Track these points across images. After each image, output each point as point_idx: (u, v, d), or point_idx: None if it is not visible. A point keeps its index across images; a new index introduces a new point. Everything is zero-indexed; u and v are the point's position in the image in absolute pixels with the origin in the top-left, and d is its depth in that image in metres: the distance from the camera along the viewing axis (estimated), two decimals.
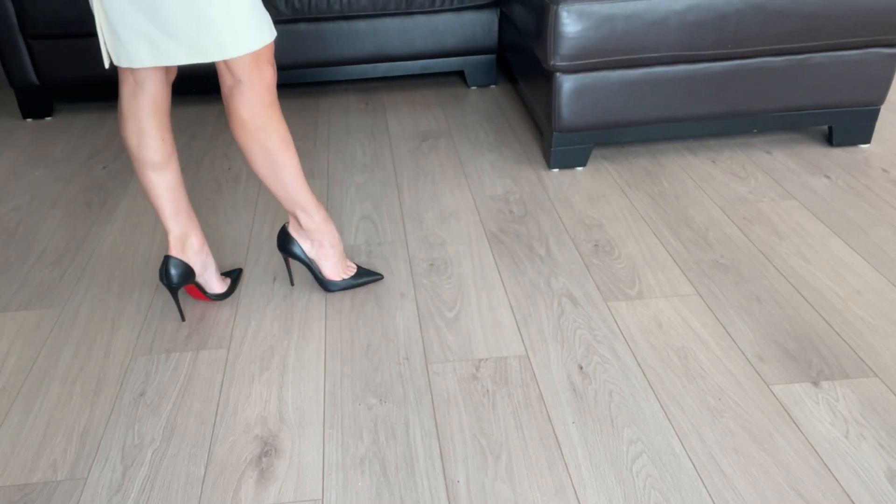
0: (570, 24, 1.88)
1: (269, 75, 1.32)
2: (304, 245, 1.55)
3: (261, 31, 1.28)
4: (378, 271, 1.69)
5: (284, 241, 1.56)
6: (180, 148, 2.35)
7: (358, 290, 1.63)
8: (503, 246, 1.77)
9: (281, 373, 1.41)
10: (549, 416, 1.29)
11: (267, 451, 1.24)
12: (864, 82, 2.07)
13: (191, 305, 1.60)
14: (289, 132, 1.41)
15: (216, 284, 1.58)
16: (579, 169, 2.13)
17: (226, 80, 1.32)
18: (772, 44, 1.97)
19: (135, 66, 1.26)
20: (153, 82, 1.37)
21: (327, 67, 2.64)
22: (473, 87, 2.77)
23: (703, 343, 1.44)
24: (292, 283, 1.65)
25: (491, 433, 1.26)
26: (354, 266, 1.63)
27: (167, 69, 1.39)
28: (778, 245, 1.74)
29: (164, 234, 1.87)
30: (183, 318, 1.55)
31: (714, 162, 2.13)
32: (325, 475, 1.19)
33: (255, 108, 1.33)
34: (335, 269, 1.59)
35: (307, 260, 1.56)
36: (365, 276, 1.62)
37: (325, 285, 1.58)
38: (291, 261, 1.70)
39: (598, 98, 2.01)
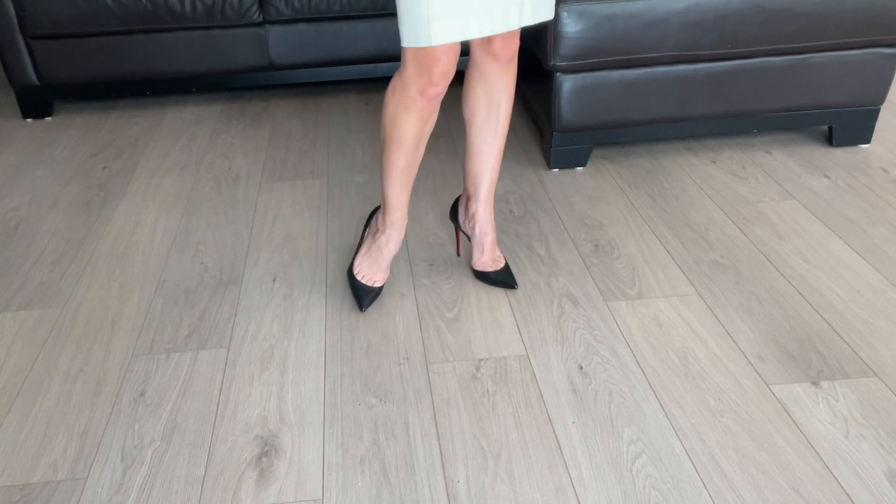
0: (570, 24, 1.88)
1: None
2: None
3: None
4: None
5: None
6: (180, 148, 2.35)
7: None
8: (503, 246, 1.77)
9: (281, 373, 1.41)
10: (549, 416, 1.29)
11: (267, 451, 1.24)
12: (864, 82, 2.07)
13: (190, 305, 1.60)
14: (410, 136, 1.40)
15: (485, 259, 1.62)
16: (579, 169, 2.13)
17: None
18: (772, 44, 1.97)
19: (524, 23, 1.32)
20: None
21: (327, 67, 2.64)
22: None
23: (703, 343, 1.44)
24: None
25: (491, 433, 1.26)
26: (380, 281, 1.57)
27: None
28: (778, 245, 1.74)
29: (164, 234, 1.87)
30: (458, 253, 1.72)
31: (714, 162, 2.13)
32: (325, 475, 1.19)
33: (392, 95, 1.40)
34: (359, 263, 1.58)
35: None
36: (366, 294, 1.56)
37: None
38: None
39: (598, 98, 2.01)
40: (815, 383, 1.33)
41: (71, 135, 2.48)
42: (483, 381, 1.37)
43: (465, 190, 1.60)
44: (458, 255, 1.74)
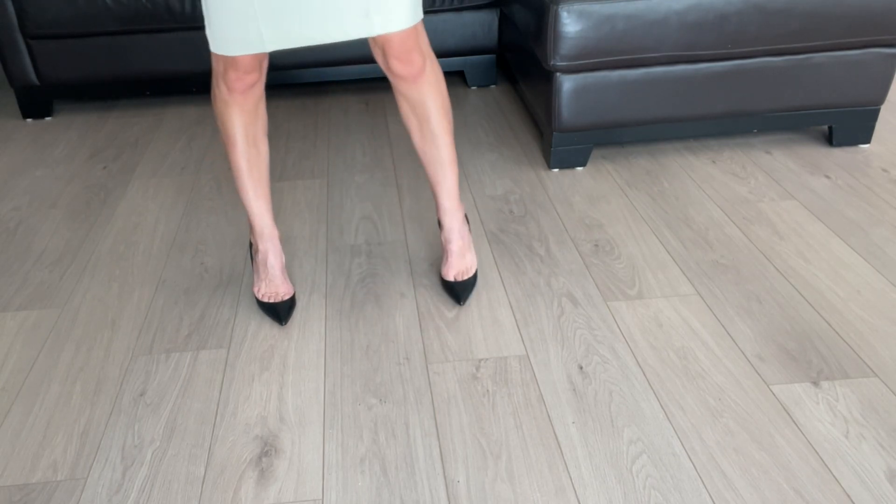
0: (570, 24, 1.88)
1: None
2: None
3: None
4: (378, 271, 1.69)
5: None
6: (180, 148, 2.35)
7: (358, 290, 1.63)
8: (503, 246, 1.77)
9: (281, 373, 1.41)
10: (549, 416, 1.29)
11: (267, 451, 1.24)
12: (864, 82, 2.07)
13: (190, 306, 1.60)
14: (239, 133, 1.40)
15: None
16: (579, 169, 2.13)
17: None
18: (772, 44, 1.97)
19: None
20: None
21: (327, 67, 2.64)
22: (473, 87, 2.77)
23: (703, 343, 1.44)
24: None
25: (491, 433, 1.26)
26: (285, 294, 1.56)
27: None
28: (778, 245, 1.74)
29: (164, 234, 1.87)
30: None
31: (714, 162, 2.13)
32: (325, 475, 1.19)
33: None
34: (257, 287, 1.58)
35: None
36: (279, 310, 1.55)
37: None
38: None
39: (598, 98, 2.01)
40: (815, 383, 1.33)
41: (71, 135, 2.48)
42: (483, 381, 1.37)
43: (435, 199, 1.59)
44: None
